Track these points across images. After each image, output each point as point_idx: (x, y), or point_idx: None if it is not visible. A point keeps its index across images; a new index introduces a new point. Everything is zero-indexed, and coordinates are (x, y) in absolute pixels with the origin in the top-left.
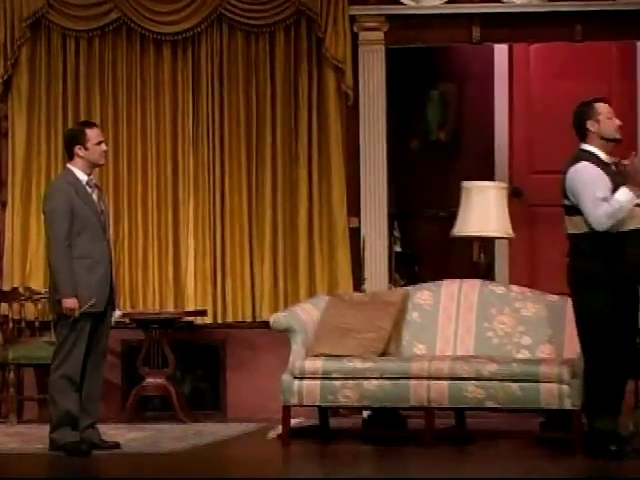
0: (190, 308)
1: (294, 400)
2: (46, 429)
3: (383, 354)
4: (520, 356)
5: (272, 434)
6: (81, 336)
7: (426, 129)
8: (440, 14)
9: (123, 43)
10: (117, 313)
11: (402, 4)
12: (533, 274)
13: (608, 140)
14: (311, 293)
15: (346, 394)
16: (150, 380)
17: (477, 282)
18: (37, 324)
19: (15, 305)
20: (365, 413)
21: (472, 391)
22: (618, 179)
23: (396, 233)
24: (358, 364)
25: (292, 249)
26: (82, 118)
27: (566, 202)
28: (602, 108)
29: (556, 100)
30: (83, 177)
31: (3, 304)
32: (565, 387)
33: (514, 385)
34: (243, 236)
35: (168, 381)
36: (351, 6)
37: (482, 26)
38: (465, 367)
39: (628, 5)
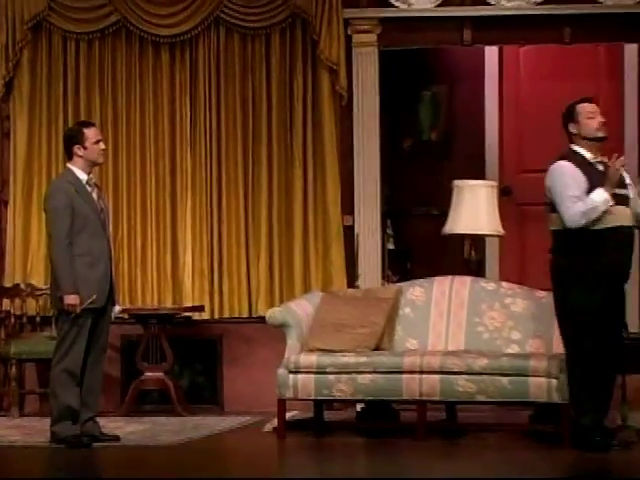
0: (188, 304)
1: (289, 394)
2: (47, 422)
3: (376, 349)
4: (510, 351)
5: (268, 427)
6: (82, 331)
7: (418, 129)
8: (432, 17)
9: (122, 45)
10: (116, 309)
11: (395, 7)
12: (523, 271)
13: (590, 139)
14: (306, 289)
15: (340, 388)
16: (149, 374)
17: (468, 279)
18: (38, 319)
19: (17, 301)
20: (359, 406)
21: (463, 385)
22: (602, 179)
23: (389, 231)
24: (352, 359)
25: (287, 246)
26: (82, 118)
27: (546, 199)
28: (582, 109)
29: (545, 101)
30: (83, 176)
31: (5, 300)
32: (554, 381)
33: (504, 379)
34: (239, 234)
35: (166, 375)
36: (345, 9)
37: (473, 29)
38: (456, 361)
39: (615, 8)
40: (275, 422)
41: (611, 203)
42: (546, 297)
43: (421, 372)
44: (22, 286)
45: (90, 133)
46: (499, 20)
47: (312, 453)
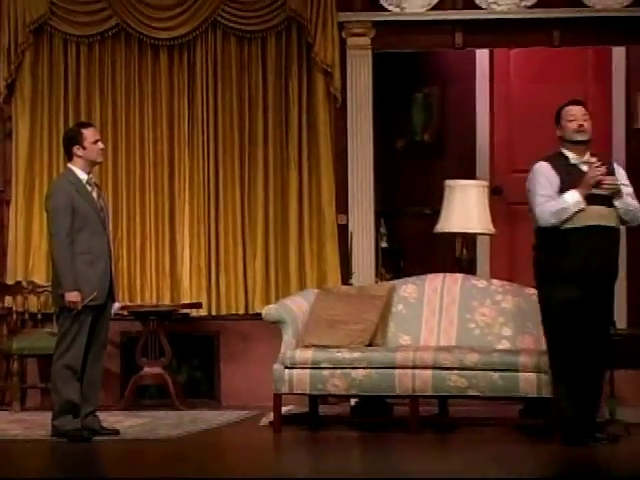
0: (186, 301)
1: (285, 389)
2: (48, 416)
3: (370, 345)
4: (500, 347)
5: (264, 421)
6: (82, 328)
7: (411, 130)
8: (424, 20)
9: (122, 48)
10: (116, 305)
11: (388, 11)
12: (513, 268)
13: (570, 142)
14: (301, 287)
15: (335, 383)
16: (148, 369)
17: (459, 276)
18: (40, 316)
19: (19, 298)
20: (353, 401)
21: (455, 380)
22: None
23: (382, 229)
24: (346, 354)
25: (283, 245)
26: (82, 119)
27: (527, 199)
28: (564, 112)
29: (535, 102)
30: (83, 176)
31: (7, 297)
32: (543, 376)
33: (495, 374)
34: (236, 232)
35: (165, 370)
36: (339, 13)
37: (464, 32)
38: (448, 357)
39: (603, 12)
40: (271, 416)
41: (583, 205)
42: (536, 294)
43: (414, 367)
44: (24, 283)
45: (88, 133)
46: (490, 24)
47: (307, 447)
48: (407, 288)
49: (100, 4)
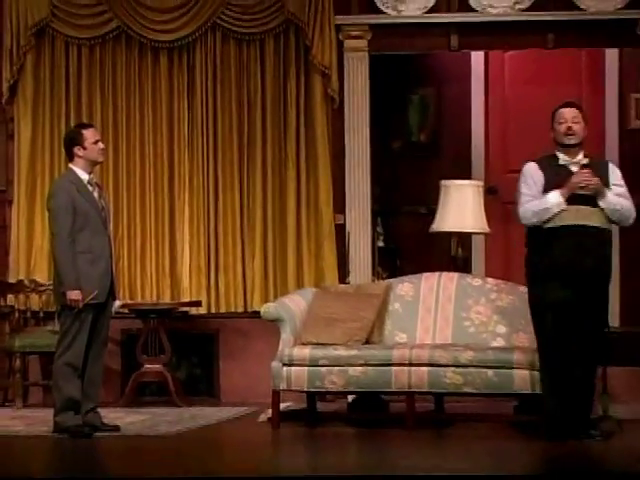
0: (185, 299)
1: (283, 385)
2: (50, 413)
3: (367, 342)
4: (495, 344)
5: (263, 417)
6: (83, 326)
7: (407, 131)
8: (420, 23)
9: (122, 50)
10: (117, 303)
11: (385, 14)
12: (507, 267)
13: (560, 144)
14: (299, 285)
15: (332, 380)
16: (148, 367)
17: (455, 275)
18: (42, 314)
19: (21, 296)
20: (350, 397)
21: (450, 377)
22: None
23: (379, 229)
24: (343, 352)
25: (281, 244)
26: (84, 121)
27: None
28: (556, 114)
29: (529, 103)
30: (84, 176)
31: (9, 295)
32: (537, 373)
33: (489, 371)
34: (235, 232)
35: (165, 368)
36: (337, 16)
37: (460, 34)
38: (444, 354)
39: (596, 15)
40: (269, 412)
41: (564, 206)
42: None
43: (410, 365)
44: (26, 282)
45: (88, 134)
46: (485, 26)
47: (305, 442)
48: (403, 287)
49: (101, 7)
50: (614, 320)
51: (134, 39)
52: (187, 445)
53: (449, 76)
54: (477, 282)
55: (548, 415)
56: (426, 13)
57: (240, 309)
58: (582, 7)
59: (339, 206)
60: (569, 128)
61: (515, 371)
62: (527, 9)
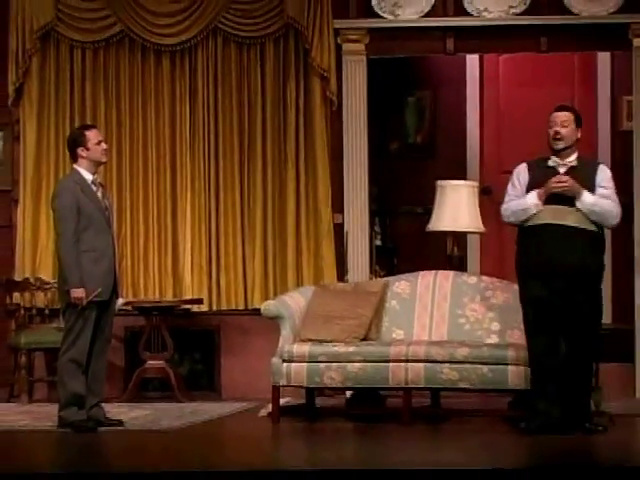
0: (187, 297)
1: (283, 381)
2: (55, 408)
3: (365, 339)
4: (490, 341)
5: (263, 412)
6: (87, 323)
7: (404, 132)
8: (417, 27)
9: (126, 53)
10: (120, 301)
11: (382, 18)
12: (502, 266)
13: (550, 147)
14: (298, 283)
15: (331, 376)
16: (150, 363)
17: (450, 273)
18: (47, 312)
19: (26, 294)
20: (348, 393)
21: (446, 373)
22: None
23: (377, 228)
24: (342, 348)
25: (281, 243)
26: (88, 122)
27: None
28: (549, 119)
29: (523, 106)
30: (88, 176)
31: (15, 293)
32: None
33: (484, 367)
34: (236, 231)
35: (167, 364)
36: (335, 20)
37: (455, 38)
38: (440, 351)
39: (588, 19)
40: (269, 408)
41: (540, 207)
42: None
43: (407, 361)
44: (31, 280)
45: (91, 135)
46: (480, 30)
47: (304, 437)
48: (400, 285)
49: (105, 11)
50: (606, 317)
51: (137, 43)
52: (189, 439)
53: (445, 79)
54: (472, 280)
55: (534, 410)
56: (422, 17)
57: (241, 306)
58: (575, 12)
59: (338, 206)
60: (556, 132)
61: (509, 367)
62: (521, 13)
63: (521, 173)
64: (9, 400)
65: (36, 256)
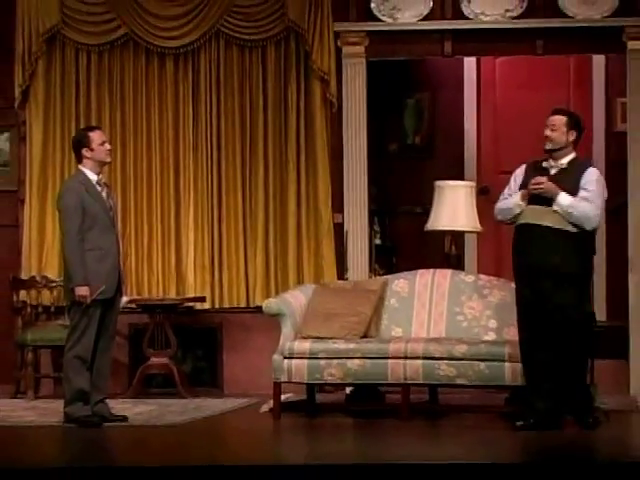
0: (190, 295)
1: (284, 377)
2: (61, 404)
3: (364, 336)
4: (487, 338)
5: (264, 408)
6: (92, 320)
7: (403, 134)
8: (415, 30)
9: (130, 56)
10: (124, 299)
11: (381, 21)
12: (499, 264)
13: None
14: (299, 282)
15: (331, 372)
16: (154, 360)
17: (448, 271)
18: (52, 309)
19: (33, 292)
20: (348, 389)
21: (444, 369)
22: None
23: (376, 227)
24: (342, 345)
25: (282, 242)
26: (92, 124)
27: None
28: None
29: (519, 107)
30: (93, 177)
31: (22, 291)
32: None
33: (482, 364)
34: (238, 230)
35: (170, 360)
36: (335, 23)
37: (453, 41)
38: (438, 348)
39: (584, 22)
40: (271, 404)
41: (523, 207)
42: None
43: (405, 358)
44: (37, 278)
45: (95, 136)
46: (477, 33)
47: (305, 432)
48: (399, 283)
49: (109, 15)
50: (600, 314)
51: (141, 46)
52: (192, 434)
53: (443, 81)
54: (470, 278)
55: (526, 405)
56: (421, 21)
57: (243, 304)
58: (570, 15)
59: (338, 206)
60: (545, 135)
61: (506, 364)
62: (518, 17)
63: (518, 174)
64: (16, 396)
65: (42, 255)
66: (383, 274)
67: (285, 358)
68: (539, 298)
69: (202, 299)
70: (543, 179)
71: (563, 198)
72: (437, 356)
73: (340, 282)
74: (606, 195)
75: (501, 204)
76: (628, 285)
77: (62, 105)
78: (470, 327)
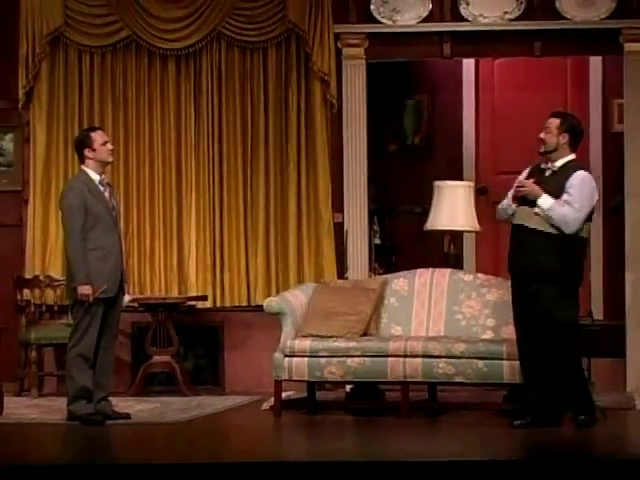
0: (192, 294)
1: (285, 375)
2: (64, 402)
3: (364, 335)
4: (485, 336)
5: (265, 406)
6: (95, 319)
7: (402, 134)
8: (414, 32)
9: (132, 58)
10: (127, 298)
11: (381, 23)
12: (497, 263)
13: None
14: (300, 281)
15: (331, 370)
16: (157, 358)
17: (447, 271)
18: (56, 308)
19: (36, 291)
20: (348, 387)
21: (443, 367)
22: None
23: (376, 227)
24: (342, 343)
25: (283, 242)
26: (95, 125)
27: None
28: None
29: (518, 108)
30: (96, 177)
31: (26, 290)
32: None
33: (480, 362)
34: (239, 230)
35: (173, 359)
36: (335, 25)
37: (452, 43)
38: (437, 346)
39: (581, 24)
40: (272, 401)
41: (514, 208)
42: None
43: (405, 356)
44: (41, 277)
45: (97, 136)
46: (476, 35)
47: (305, 429)
48: (399, 282)
49: (112, 17)
50: (597, 313)
51: (143, 47)
52: (194, 432)
53: (442, 82)
54: (468, 278)
55: (524, 402)
56: (420, 23)
57: (244, 303)
58: (568, 17)
59: (338, 206)
60: (540, 140)
61: (504, 362)
62: (516, 19)
63: (522, 175)
64: (20, 394)
65: (45, 254)
66: (383, 273)
67: (286, 356)
68: (528, 298)
69: (204, 298)
70: (527, 181)
71: (544, 201)
72: (436, 354)
73: (340, 281)
74: (596, 198)
75: (500, 204)
76: (625, 284)
77: (65, 106)
78: (469, 325)
